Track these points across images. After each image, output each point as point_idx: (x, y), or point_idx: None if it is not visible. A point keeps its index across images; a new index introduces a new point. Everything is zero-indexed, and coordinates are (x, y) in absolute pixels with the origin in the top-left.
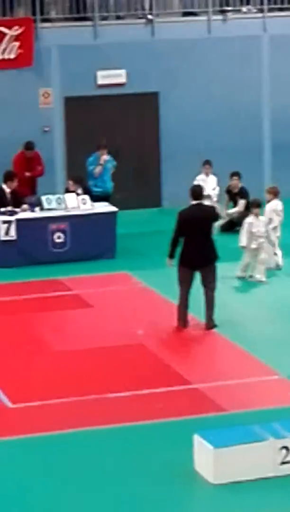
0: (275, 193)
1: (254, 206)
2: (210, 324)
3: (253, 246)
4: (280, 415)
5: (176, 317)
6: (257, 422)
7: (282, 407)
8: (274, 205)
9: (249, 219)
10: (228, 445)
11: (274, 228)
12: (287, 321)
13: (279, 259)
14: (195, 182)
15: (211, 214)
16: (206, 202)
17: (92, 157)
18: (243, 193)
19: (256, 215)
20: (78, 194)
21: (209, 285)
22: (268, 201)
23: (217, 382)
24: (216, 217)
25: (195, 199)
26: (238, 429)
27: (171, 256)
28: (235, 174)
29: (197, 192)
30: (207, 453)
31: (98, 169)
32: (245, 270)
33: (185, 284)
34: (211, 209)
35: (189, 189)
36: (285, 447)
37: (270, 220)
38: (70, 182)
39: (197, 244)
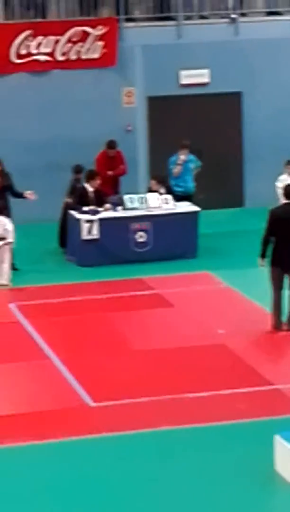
0: None
1: None
2: None
3: None
4: None
5: (271, 318)
6: None
7: None
8: None
9: None
10: None
11: None
12: None
13: None
14: (278, 182)
15: None
16: None
17: (173, 156)
18: None
19: None
20: (160, 194)
21: None
22: None
23: None
24: None
25: (287, 198)
26: None
27: (263, 256)
28: None
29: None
30: (288, 454)
31: (176, 169)
32: None
33: (277, 284)
34: None
35: (284, 188)
36: None
37: None
38: (153, 182)
39: (288, 244)
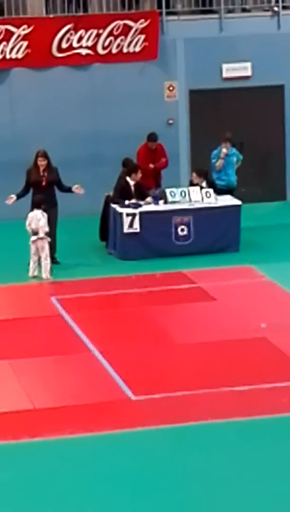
0: None
1: None
2: None
3: None
4: None
5: None
6: None
7: None
8: None
9: None
10: None
11: None
12: None
13: None
14: None
15: None
16: None
17: (216, 150)
18: None
19: None
20: (202, 187)
21: None
22: None
23: None
24: None
25: None
26: None
27: None
28: None
29: None
30: None
31: (218, 163)
32: None
33: None
34: None
35: None
36: None
37: None
38: (194, 175)
39: None
